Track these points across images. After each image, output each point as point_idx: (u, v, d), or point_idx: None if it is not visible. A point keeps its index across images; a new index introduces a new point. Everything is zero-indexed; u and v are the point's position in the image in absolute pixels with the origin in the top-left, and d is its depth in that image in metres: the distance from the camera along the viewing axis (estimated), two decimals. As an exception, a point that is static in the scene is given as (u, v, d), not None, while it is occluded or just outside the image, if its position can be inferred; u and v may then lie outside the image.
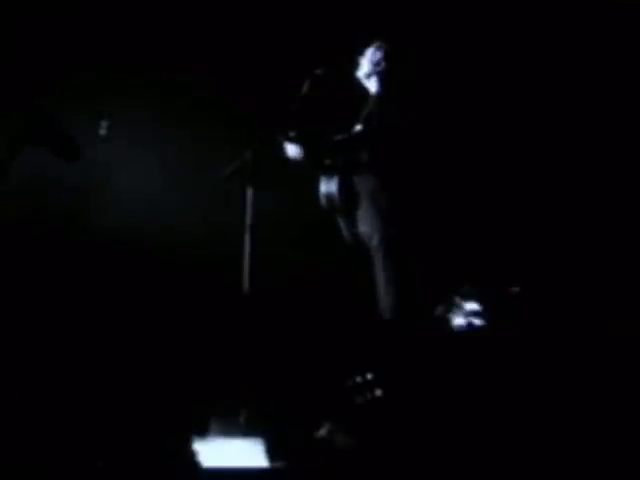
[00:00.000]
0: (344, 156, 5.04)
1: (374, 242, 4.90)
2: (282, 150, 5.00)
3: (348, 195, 5.01)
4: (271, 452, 3.84)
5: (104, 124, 5.97)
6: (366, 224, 4.97)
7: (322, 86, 4.97)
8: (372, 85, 5.14)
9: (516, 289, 4.58)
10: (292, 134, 4.95)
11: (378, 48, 5.11)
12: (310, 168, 5.10)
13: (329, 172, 5.08)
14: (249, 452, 3.86)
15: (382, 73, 5.10)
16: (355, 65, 5.18)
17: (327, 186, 5.07)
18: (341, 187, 5.02)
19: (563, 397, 3.94)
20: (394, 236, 4.87)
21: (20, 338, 4.89)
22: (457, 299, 4.80)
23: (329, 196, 5.05)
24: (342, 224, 5.14)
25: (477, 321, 4.68)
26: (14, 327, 4.96)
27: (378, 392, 4.20)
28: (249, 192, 4.79)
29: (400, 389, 4.29)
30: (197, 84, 6.13)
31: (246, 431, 4.05)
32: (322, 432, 3.93)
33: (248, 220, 4.77)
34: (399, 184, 4.94)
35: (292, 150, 4.98)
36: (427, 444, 3.70)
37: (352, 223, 5.08)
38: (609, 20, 5.76)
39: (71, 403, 4.18)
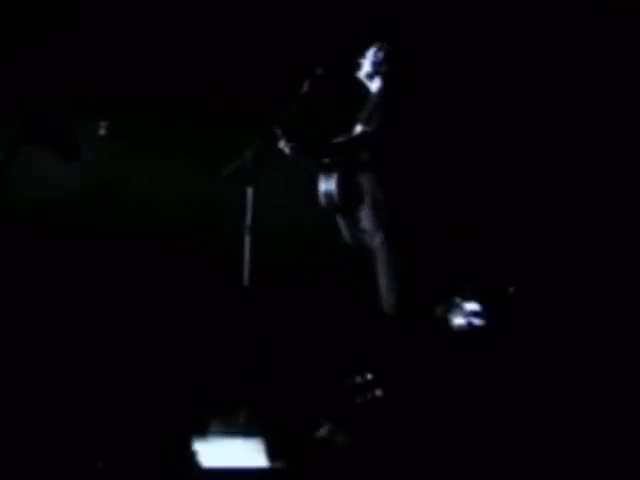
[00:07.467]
0: (343, 157, 5.04)
1: (377, 240, 4.90)
2: (282, 150, 4.99)
3: (347, 194, 5.01)
4: (271, 452, 3.84)
5: (104, 125, 5.96)
6: (368, 223, 4.96)
7: (322, 86, 4.97)
8: (373, 85, 5.14)
9: (512, 289, 4.60)
10: (292, 134, 4.94)
11: (380, 48, 5.11)
12: (309, 167, 5.10)
13: (328, 170, 5.07)
14: (249, 452, 3.86)
15: (383, 74, 5.10)
16: (356, 65, 5.17)
17: (326, 185, 5.05)
18: (340, 186, 5.01)
19: (562, 397, 3.94)
20: (396, 235, 4.87)
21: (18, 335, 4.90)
22: (457, 299, 4.80)
23: (328, 195, 5.04)
24: (341, 223, 5.14)
25: (477, 321, 4.68)
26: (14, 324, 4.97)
27: (378, 392, 4.20)
28: (249, 192, 4.79)
29: (400, 389, 4.30)
30: (197, 84, 6.14)
31: (246, 431, 4.06)
32: (322, 432, 3.93)
33: (248, 220, 4.77)
34: (399, 183, 4.94)
35: (292, 150, 4.96)
36: (426, 444, 3.71)
37: (352, 222, 5.07)
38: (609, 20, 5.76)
39: (69, 403, 4.18)
